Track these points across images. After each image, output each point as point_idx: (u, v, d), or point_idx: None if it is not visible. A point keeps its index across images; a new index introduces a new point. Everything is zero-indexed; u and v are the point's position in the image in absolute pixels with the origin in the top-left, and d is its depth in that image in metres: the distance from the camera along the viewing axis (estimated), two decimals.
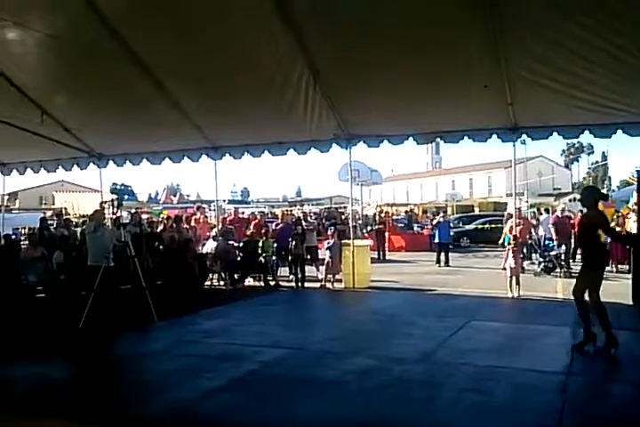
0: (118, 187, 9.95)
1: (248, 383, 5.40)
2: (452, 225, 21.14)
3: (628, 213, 13.65)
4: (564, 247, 14.13)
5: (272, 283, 12.46)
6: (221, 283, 12.52)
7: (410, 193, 66.56)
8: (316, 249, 13.83)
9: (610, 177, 70.61)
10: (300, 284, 12.30)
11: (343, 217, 22.22)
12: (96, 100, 10.21)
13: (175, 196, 44.64)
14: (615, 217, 14.93)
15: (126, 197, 10.20)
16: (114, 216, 9.64)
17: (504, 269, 10.81)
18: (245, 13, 7.86)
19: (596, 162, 71.43)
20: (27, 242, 13.42)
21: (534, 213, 19.74)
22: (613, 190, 41.90)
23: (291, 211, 26.28)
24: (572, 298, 6.44)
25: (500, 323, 8.28)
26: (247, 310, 9.86)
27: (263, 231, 13.20)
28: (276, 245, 13.03)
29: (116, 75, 9.25)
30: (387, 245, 21.01)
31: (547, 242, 14.38)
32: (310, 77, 9.15)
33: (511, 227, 13.04)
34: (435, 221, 18.59)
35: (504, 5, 7.08)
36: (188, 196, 51.24)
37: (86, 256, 8.88)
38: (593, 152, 72.54)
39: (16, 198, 46.87)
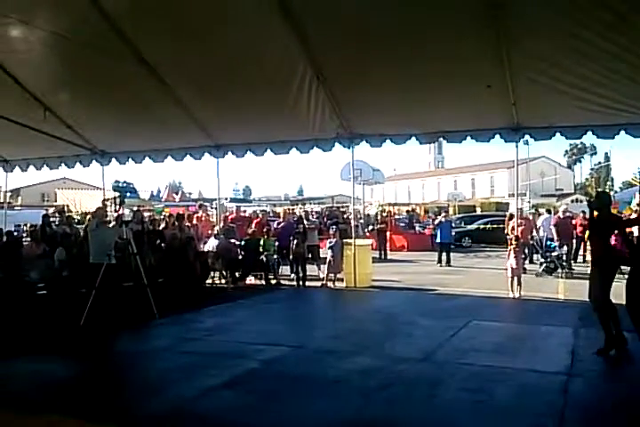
0: (121, 184, 9.98)
1: (249, 381, 5.41)
2: (453, 225, 21.10)
3: (631, 215, 13.64)
4: (565, 248, 14.11)
5: (273, 281, 12.47)
6: (223, 281, 12.52)
7: (412, 193, 66.56)
8: (318, 248, 13.82)
9: (612, 178, 70.36)
10: (301, 283, 12.30)
11: (345, 216, 22.22)
12: (99, 97, 10.23)
13: (177, 194, 44.67)
14: None
15: (128, 194, 10.23)
16: (116, 214, 9.65)
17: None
18: (249, 13, 7.88)
19: (599, 163, 71.30)
20: (28, 239, 13.41)
21: (533, 213, 19.70)
22: (616, 191, 41.81)
23: (292, 210, 26.32)
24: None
25: (501, 323, 8.28)
26: (248, 309, 9.86)
27: (265, 230, 13.20)
28: (277, 243, 13.03)
29: (120, 73, 9.27)
30: (388, 244, 20.98)
31: (548, 243, 14.35)
32: (313, 77, 9.16)
33: (513, 227, 13.03)
34: (436, 221, 18.58)
35: (509, 6, 7.07)
36: (190, 194, 51.26)
37: (88, 253, 8.88)
38: (596, 153, 72.49)
39: (18, 195, 46.98)
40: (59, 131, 11.20)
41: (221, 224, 13.82)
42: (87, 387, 5.39)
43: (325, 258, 12.54)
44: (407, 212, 30.72)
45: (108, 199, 10.31)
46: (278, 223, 14.66)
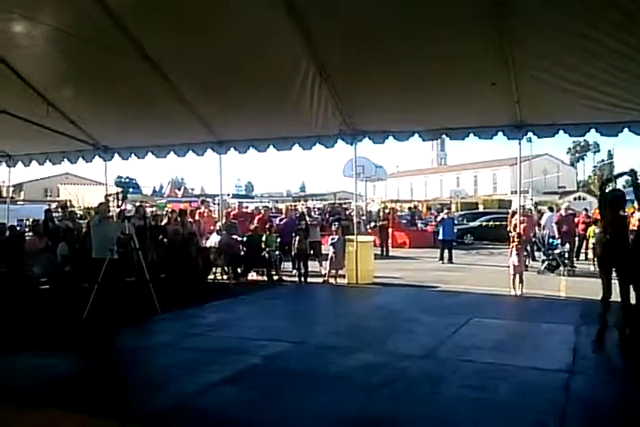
0: (123, 180, 9.98)
1: (251, 377, 5.42)
2: (456, 222, 21.09)
3: (634, 213, 13.60)
4: (567, 246, 14.10)
5: (275, 278, 12.48)
6: (225, 277, 12.54)
7: (414, 189, 66.54)
8: (320, 244, 13.84)
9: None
10: (302, 279, 12.32)
11: (347, 213, 22.22)
12: (102, 93, 10.23)
13: (179, 189, 44.67)
14: None
15: (131, 190, 10.23)
16: (118, 209, 9.66)
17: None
18: (253, 9, 7.86)
19: (602, 160, 71.25)
20: (31, 233, 13.43)
21: (530, 210, 19.69)
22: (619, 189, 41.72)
23: (295, 206, 26.30)
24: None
25: (502, 320, 8.28)
26: (250, 305, 9.88)
27: (267, 226, 13.20)
28: (279, 239, 13.04)
29: (123, 68, 9.27)
30: (390, 241, 20.98)
31: (550, 240, 14.35)
32: (316, 73, 9.15)
33: (515, 225, 13.01)
34: (439, 218, 18.57)
35: (512, 4, 7.05)
36: (192, 190, 51.18)
37: (90, 248, 8.90)
38: (599, 151, 72.38)
39: (21, 190, 47.05)
40: (61, 126, 11.19)
41: (224, 220, 13.82)
42: (89, 382, 5.41)
43: (327, 254, 12.55)
44: (409, 209, 30.71)
45: (110, 195, 10.28)
46: (280, 219, 14.67)
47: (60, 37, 8.65)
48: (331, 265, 12.28)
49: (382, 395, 4.86)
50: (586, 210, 17.18)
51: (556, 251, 13.81)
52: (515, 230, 12.25)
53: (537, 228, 15.24)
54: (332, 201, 35.36)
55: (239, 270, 12.57)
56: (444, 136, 11.06)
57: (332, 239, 12.57)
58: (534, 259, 15.02)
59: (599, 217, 7.52)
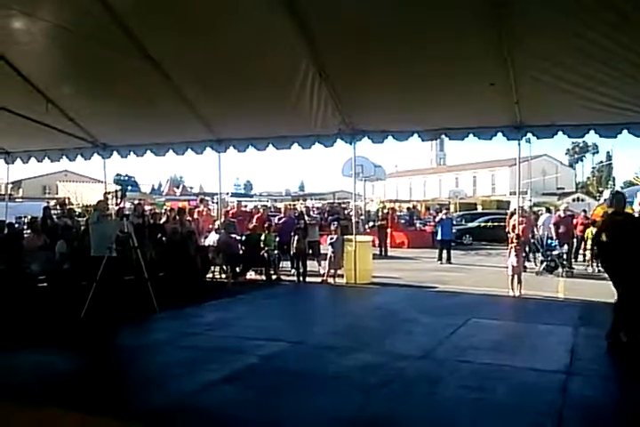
0: (122, 178, 9.98)
1: (249, 377, 5.41)
2: (454, 222, 21.11)
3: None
4: (566, 247, 14.11)
5: (274, 277, 12.47)
6: (223, 276, 12.53)
7: (413, 189, 66.61)
8: (318, 244, 13.84)
9: (614, 177, 70.23)
10: (301, 278, 12.32)
11: (346, 212, 22.23)
12: (102, 90, 10.21)
13: (178, 188, 44.69)
14: None
15: (130, 188, 10.24)
16: (117, 207, 9.65)
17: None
18: (253, 9, 7.85)
19: (601, 162, 71.31)
20: (29, 231, 13.42)
21: (527, 211, 19.70)
22: (615, 193, 41.77)
23: (294, 205, 26.31)
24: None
25: (501, 321, 8.29)
26: (249, 304, 9.88)
27: (266, 225, 13.19)
28: (278, 239, 13.03)
29: (123, 66, 9.25)
30: (389, 241, 20.99)
31: (549, 241, 14.37)
32: (316, 73, 9.13)
33: (514, 225, 13.03)
34: (437, 218, 18.58)
35: (512, 4, 7.05)
36: (191, 188, 51.18)
37: (89, 246, 8.89)
38: (598, 152, 72.43)
39: (19, 187, 47.02)
40: (60, 123, 11.18)
41: (222, 219, 13.81)
42: (88, 380, 5.41)
43: (326, 254, 12.55)
44: (408, 209, 30.73)
45: (109, 192, 10.30)
46: (279, 219, 14.66)
47: (59, 34, 8.63)
48: (329, 265, 12.28)
49: (380, 395, 4.87)
50: (584, 211, 17.22)
51: (555, 252, 13.83)
52: (513, 231, 12.28)
53: (535, 229, 15.23)
54: (330, 200, 35.39)
55: (238, 269, 12.55)
56: (443, 136, 11.05)
57: (331, 239, 12.57)
58: (528, 260, 15.02)
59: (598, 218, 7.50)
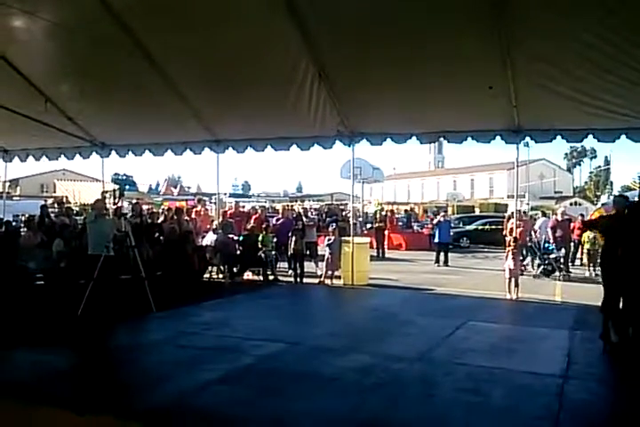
0: (120, 177, 9.98)
1: (245, 377, 5.41)
2: (452, 225, 21.13)
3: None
4: (563, 251, 14.14)
5: (271, 277, 12.47)
6: (220, 276, 12.53)
7: (411, 192, 66.65)
8: (316, 245, 13.86)
9: (612, 182, 70.65)
10: (298, 279, 12.32)
11: (344, 214, 22.24)
12: (101, 90, 10.21)
13: (176, 187, 44.69)
14: None
15: (127, 187, 10.23)
16: (115, 206, 9.65)
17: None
18: (253, 9, 7.87)
19: (599, 166, 71.45)
20: (25, 229, 13.41)
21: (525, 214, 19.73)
22: (615, 195, 41.88)
23: (291, 206, 26.28)
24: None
25: (497, 324, 8.29)
26: (246, 304, 9.88)
27: (263, 226, 13.20)
28: (275, 239, 13.04)
29: (122, 66, 9.26)
30: (386, 243, 21.01)
31: (546, 245, 14.39)
32: (315, 74, 9.14)
33: (511, 229, 13.05)
34: (435, 221, 18.59)
35: (511, 8, 7.07)
36: (188, 188, 51.20)
37: (86, 245, 8.88)
38: (596, 156, 72.56)
39: (17, 185, 46.94)
40: (59, 122, 11.17)
41: (220, 219, 13.82)
42: (85, 379, 5.41)
43: (323, 255, 12.55)
44: (405, 211, 30.76)
45: (107, 191, 10.29)
46: (277, 219, 14.67)
47: (59, 33, 8.64)
48: (327, 266, 12.29)
49: (376, 397, 4.87)
50: (582, 215, 17.24)
51: (552, 256, 13.85)
52: (510, 234, 12.30)
53: (532, 232, 15.25)
54: (328, 202, 35.40)
55: (235, 270, 12.55)
56: (442, 139, 11.07)
57: (329, 240, 12.58)
58: (527, 264, 15.03)
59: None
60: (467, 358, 6.07)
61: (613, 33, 7.11)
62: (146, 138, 12.13)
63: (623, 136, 9.24)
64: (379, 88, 9.24)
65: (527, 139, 10.37)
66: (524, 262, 14.21)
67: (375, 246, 19.03)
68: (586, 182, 73.26)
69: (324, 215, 24.04)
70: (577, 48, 7.50)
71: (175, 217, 12.78)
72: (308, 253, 13.10)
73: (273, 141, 11.40)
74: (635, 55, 7.37)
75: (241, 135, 11.61)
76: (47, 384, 5.10)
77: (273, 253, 12.66)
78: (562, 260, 13.90)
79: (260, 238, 12.55)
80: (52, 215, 14.21)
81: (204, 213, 15.72)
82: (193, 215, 14.58)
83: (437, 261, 16.75)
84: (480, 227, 25.28)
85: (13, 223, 14.90)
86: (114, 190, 9.49)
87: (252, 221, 14.11)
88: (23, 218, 16.69)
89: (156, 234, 11.87)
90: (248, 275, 12.82)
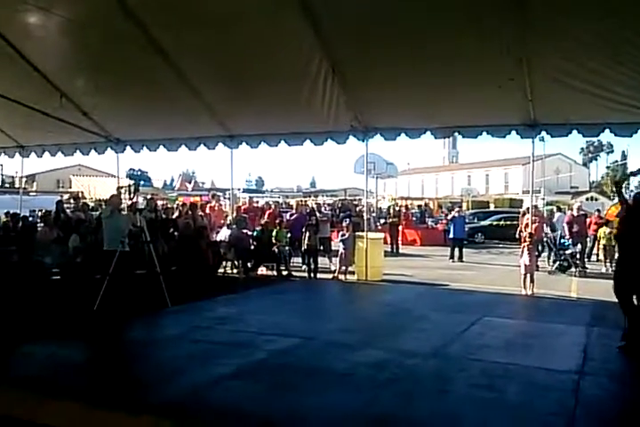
0: (135, 172, 10.02)
1: (259, 372, 5.42)
2: (466, 220, 21.01)
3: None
4: (579, 246, 14.01)
5: (285, 273, 12.49)
6: (235, 271, 12.57)
7: (425, 187, 66.34)
8: (329, 240, 13.85)
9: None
10: (312, 274, 12.33)
11: (357, 209, 22.20)
12: (116, 85, 10.25)
13: (190, 183, 44.83)
14: None
15: (142, 182, 10.27)
16: (130, 201, 9.70)
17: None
18: (266, 5, 7.85)
19: (616, 161, 70.65)
20: (42, 224, 13.55)
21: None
22: (632, 190, 41.38)
23: (305, 201, 26.30)
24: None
25: (512, 320, 8.24)
26: (260, 299, 9.91)
27: (277, 221, 13.22)
28: (289, 235, 13.05)
29: (137, 62, 9.32)
30: (400, 238, 20.94)
31: (562, 240, 14.27)
32: (329, 69, 9.12)
33: (526, 224, 12.94)
34: (450, 216, 18.51)
35: (529, 3, 6.98)
36: (202, 183, 51.37)
37: (102, 240, 8.94)
38: (612, 151, 71.79)
39: (33, 181, 47.43)
40: (74, 118, 11.24)
41: (234, 214, 13.85)
42: (100, 372, 5.47)
43: (337, 250, 12.55)
44: (418, 206, 30.63)
45: (122, 187, 10.34)
46: (291, 215, 14.68)
47: (74, 29, 8.69)
48: (340, 261, 12.27)
49: (389, 392, 4.86)
50: (598, 211, 17.08)
51: (568, 251, 13.73)
52: (526, 230, 12.20)
53: (548, 228, 15.14)
54: (342, 197, 35.35)
55: (249, 265, 12.58)
56: (456, 134, 10.99)
57: (342, 236, 12.56)
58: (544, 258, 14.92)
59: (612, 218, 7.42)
60: (481, 353, 6.04)
61: (631, 27, 7.03)
62: (160, 133, 12.18)
63: None
64: (393, 84, 9.19)
65: (543, 133, 10.25)
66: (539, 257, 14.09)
67: (389, 242, 18.98)
68: (602, 177, 72.51)
69: (337, 211, 24.03)
70: (595, 42, 7.41)
71: (190, 212, 12.83)
72: (321, 248, 13.10)
73: (286, 136, 11.40)
74: None
75: (254, 130, 11.61)
76: (63, 377, 5.15)
77: (287, 248, 12.67)
78: (578, 255, 13.78)
79: (274, 234, 12.56)
80: (68, 211, 14.33)
81: (218, 209, 15.76)
82: (207, 211, 14.62)
83: (452, 256, 16.67)
84: (495, 222, 25.14)
85: (30, 218, 15.07)
86: (129, 186, 9.52)
87: (265, 216, 14.13)
88: (39, 213, 16.90)
89: (171, 229, 11.93)
90: (262, 270, 12.85)
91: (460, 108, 9.71)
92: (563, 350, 6.40)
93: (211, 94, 10.39)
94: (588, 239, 15.36)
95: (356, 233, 12.62)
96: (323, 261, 12.90)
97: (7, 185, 41.05)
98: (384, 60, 8.68)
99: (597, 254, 15.49)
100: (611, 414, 4.50)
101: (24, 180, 22.16)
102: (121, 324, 7.50)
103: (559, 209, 17.43)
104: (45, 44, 9.41)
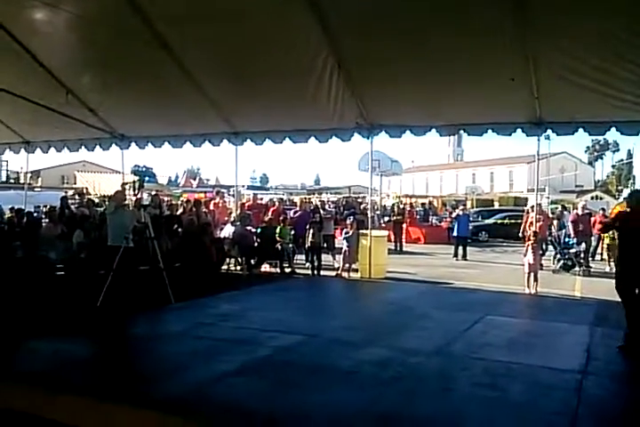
0: (140, 169, 10.04)
1: (262, 368, 5.43)
2: (471, 219, 20.98)
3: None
4: (583, 245, 13.97)
5: (288, 270, 12.50)
6: (238, 268, 12.59)
7: (429, 185, 66.20)
8: (333, 238, 13.84)
9: (634, 176, 69.59)
10: (315, 272, 12.33)
11: (362, 207, 22.19)
12: (121, 81, 10.26)
13: (195, 179, 44.94)
14: None
15: (147, 178, 10.28)
16: (134, 198, 9.71)
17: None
18: (272, 0, 7.83)
19: (621, 160, 70.44)
20: (47, 220, 13.59)
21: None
22: (637, 190, 41.24)
23: (309, 199, 26.30)
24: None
25: (516, 319, 8.22)
26: (263, 296, 9.91)
27: (281, 218, 13.22)
28: (293, 232, 13.05)
29: (142, 58, 9.30)
30: (404, 236, 20.93)
31: (566, 239, 14.24)
32: (335, 65, 9.09)
33: (531, 222, 12.91)
34: (454, 214, 18.48)
35: (534, 1, 6.96)
36: (207, 180, 51.43)
37: (106, 236, 8.96)
38: (618, 150, 71.53)
39: (38, 176, 47.54)
40: (80, 114, 11.25)
41: (238, 211, 13.86)
42: (104, 368, 5.49)
43: (340, 248, 12.54)
44: (422, 204, 30.58)
45: (126, 183, 10.35)
46: (295, 212, 14.69)
47: (79, 25, 8.69)
48: (344, 259, 12.28)
49: (393, 390, 4.86)
50: (603, 209, 17.02)
51: (572, 250, 13.70)
52: (530, 228, 12.17)
53: (552, 226, 15.10)
54: (346, 195, 35.34)
55: (253, 262, 12.60)
56: (461, 132, 10.95)
57: (346, 233, 12.55)
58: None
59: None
60: (484, 352, 6.04)
61: (638, 25, 6.97)
62: (165, 130, 12.17)
63: None
64: (398, 81, 9.16)
65: (548, 131, 10.21)
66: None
67: (393, 240, 18.97)
68: (608, 176, 72.29)
69: (341, 208, 24.00)
70: (601, 40, 7.36)
71: (194, 209, 12.84)
72: (325, 245, 13.10)
73: (291, 133, 11.38)
74: None
75: (259, 127, 11.60)
76: (67, 373, 5.17)
77: (290, 245, 12.68)
78: (582, 254, 13.74)
79: (278, 231, 12.57)
80: (73, 206, 14.37)
81: (223, 206, 15.79)
82: (211, 207, 14.64)
83: (456, 254, 16.66)
84: (499, 221, 25.08)
85: (34, 214, 15.12)
86: (133, 182, 9.53)
87: (269, 213, 14.14)
88: (44, 209, 16.96)
89: (175, 226, 11.95)
90: (265, 267, 12.86)
91: (466, 105, 9.67)
92: (566, 349, 6.39)
93: (216, 90, 10.38)
94: (593, 238, 15.32)
95: (360, 231, 12.62)
96: (326, 258, 12.90)
97: (12, 181, 41.17)
98: (390, 57, 8.65)
99: (602, 254, 15.45)
100: (613, 413, 4.49)
101: (29, 175, 22.19)
102: (124, 320, 7.52)
103: (564, 208, 17.37)
104: (52, 40, 9.41)
